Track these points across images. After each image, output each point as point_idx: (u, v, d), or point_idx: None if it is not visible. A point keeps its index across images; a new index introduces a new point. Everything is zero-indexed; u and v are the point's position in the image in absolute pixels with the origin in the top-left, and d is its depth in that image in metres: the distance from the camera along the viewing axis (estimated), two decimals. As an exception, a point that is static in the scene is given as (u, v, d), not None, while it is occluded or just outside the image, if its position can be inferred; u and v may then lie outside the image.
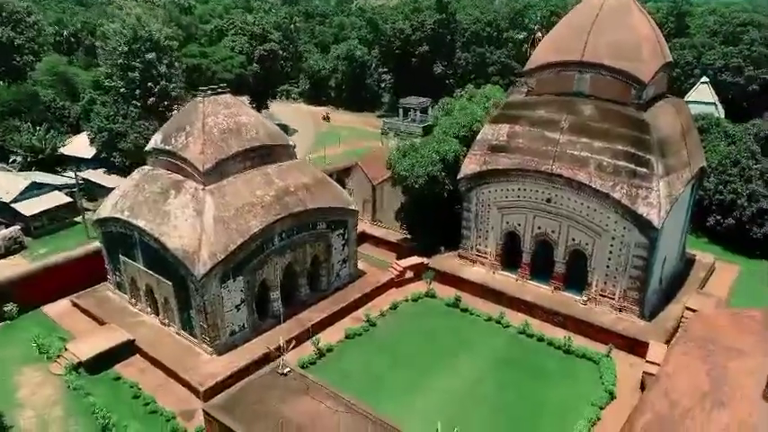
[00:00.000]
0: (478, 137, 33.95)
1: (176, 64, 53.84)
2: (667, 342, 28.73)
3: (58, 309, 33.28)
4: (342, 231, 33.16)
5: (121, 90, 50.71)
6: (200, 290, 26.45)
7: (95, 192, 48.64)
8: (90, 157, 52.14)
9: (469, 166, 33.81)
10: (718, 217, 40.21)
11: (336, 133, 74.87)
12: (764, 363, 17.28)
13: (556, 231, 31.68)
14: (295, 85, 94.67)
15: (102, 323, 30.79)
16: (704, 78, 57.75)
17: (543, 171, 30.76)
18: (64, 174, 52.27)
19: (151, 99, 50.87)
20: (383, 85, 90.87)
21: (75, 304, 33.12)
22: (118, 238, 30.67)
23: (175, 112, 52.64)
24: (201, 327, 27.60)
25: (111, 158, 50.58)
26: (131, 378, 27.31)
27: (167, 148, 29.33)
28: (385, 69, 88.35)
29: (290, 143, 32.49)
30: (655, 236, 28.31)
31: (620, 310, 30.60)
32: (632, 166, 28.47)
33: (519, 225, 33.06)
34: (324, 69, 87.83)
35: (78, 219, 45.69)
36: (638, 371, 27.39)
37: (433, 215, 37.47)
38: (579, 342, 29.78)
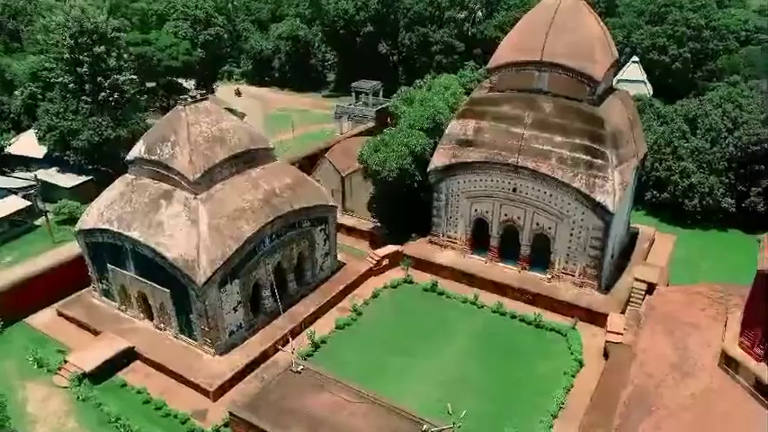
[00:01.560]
0: (446, 131, 36.18)
1: (125, 56, 52.45)
2: (622, 312, 32.73)
3: (44, 319, 33.31)
4: (323, 227, 34.82)
5: (69, 85, 49.10)
6: (201, 296, 27.63)
7: (52, 193, 47.45)
8: (41, 156, 50.43)
9: (439, 160, 36.07)
10: (655, 192, 44.71)
11: (285, 116, 74.91)
12: (716, 336, 20.84)
13: (521, 217, 34.69)
14: (235, 66, 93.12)
15: (95, 332, 31.30)
16: (634, 58, 62.30)
17: (509, 164, 33.49)
18: (12, 175, 50.45)
19: (102, 94, 49.55)
20: (328, 65, 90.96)
21: (61, 314, 33.26)
22: (105, 247, 31.00)
23: (127, 105, 52.07)
24: (203, 330, 28.85)
25: (65, 157, 49.24)
26: (137, 384, 28.32)
27: (153, 158, 29.76)
28: (329, 49, 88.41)
29: (271, 145, 33.50)
30: (610, 219, 31.83)
31: (581, 286, 34.24)
32: (589, 158, 31.66)
33: (487, 212, 35.85)
34: (266, 49, 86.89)
35: (39, 222, 44.82)
36: (601, 340, 31.14)
37: (403, 204, 39.62)
38: (548, 317, 33.20)
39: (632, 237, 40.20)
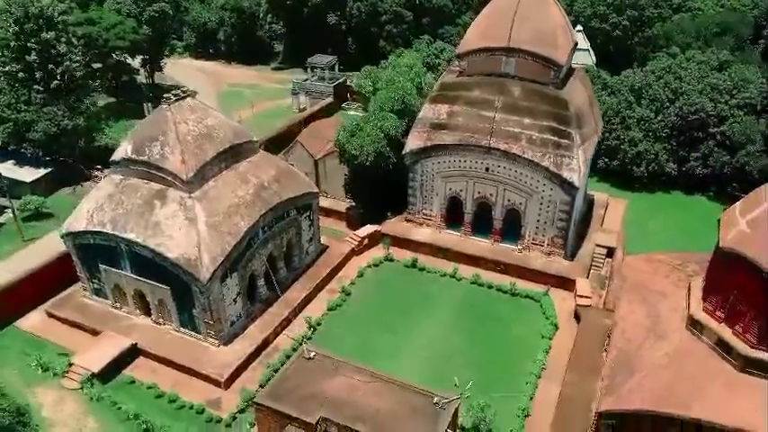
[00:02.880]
0: (420, 115, 37.82)
1: (74, 41, 50.46)
2: (588, 276, 36.21)
3: (33, 322, 33.40)
4: (308, 213, 36.16)
5: (18, 75, 47.10)
6: (204, 292, 28.72)
7: (12, 188, 46.01)
8: (-5, 150, 48.52)
9: (414, 142, 37.80)
10: (606, 159, 48.26)
11: (238, 92, 73.98)
12: (681, 301, 24.12)
13: (494, 194, 37.18)
14: (177, 39, 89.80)
15: (92, 332, 31.83)
16: (579, 27, 65.14)
17: (482, 146, 35.67)
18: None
19: (55, 82, 47.86)
20: (275, 36, 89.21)
21: (51, 315, 33.41)
22: (97, 248, 31.24)
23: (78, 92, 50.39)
24: (207, 323, 30.05)
25: (22, 150, 47.63)
26: (146, 380, 29.41)
27: (142, 158, 29.99)
28: (275, 19, 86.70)
29: (254, 138, 34.17)
30: (575, 194, 34.82)
31: (549, 254, 37.38)
32: (556, 138, 34.26)
33: (461, 191, 38.10)
34: (210, 21, 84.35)
35: (2, 219, 43.73)
36: (571, 303, 34.56)
37: (378, 185, 41.25)
38: (521, 285, 36.23)
39: (589, 203, 43.63)
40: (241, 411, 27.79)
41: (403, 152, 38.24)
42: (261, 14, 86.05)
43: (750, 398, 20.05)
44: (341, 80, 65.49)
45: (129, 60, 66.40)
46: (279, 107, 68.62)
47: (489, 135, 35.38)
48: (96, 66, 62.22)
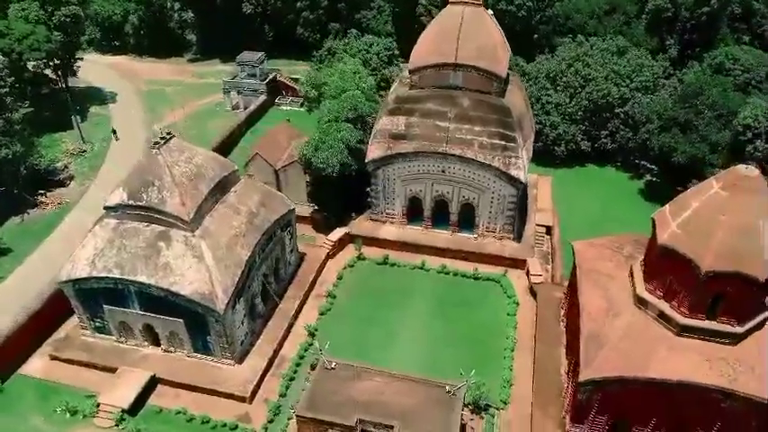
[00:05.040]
0: (379, 127, 41.37)
1: (-4, 62, 48.20)
2: (534, 255, 42.30)
3: (38, 367, 34.34)
4: (289, 228, 39.09)
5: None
6: (220, 321, 31.44)
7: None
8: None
9: (375, 152, 41.44)
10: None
11: (161, 92, 72.62)
12: (626, 282, 30.37)
13: (450, 192, 41.96)
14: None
15: (104, 369, 33.49)
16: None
17: (439, 152, 40.06)
18: None
19: (-16, 111, 45.99)
20: (187, 25, 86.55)
21: (55, 358, 34.47)
22: (101, 291, 32.59)
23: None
24: (221, 347, 32.84)
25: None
26: (172, 406, 31.96)
27: (140, 203, 31.47)
28: (185, 8, 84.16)
29: (235, 167, 36.27)
30: (521, 188, 40.41)
31: (501, 239, 43.08)
32: (503, 142, 39.33)
33: (420, 191, 42.52)
34: (115, 14, 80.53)
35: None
36: (525, 281, 40.59)
37: (339, 189, 44.66)
38: (482, 270, 41.75)
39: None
40: (270, 421, 31.29)
41: (366, 161, 41.79)
42: (169, 4, 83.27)
43: (687, 355, 26.68)
44: (271, 76, 66.55)
45: (47, 72, 63.25)
46: (208, 106, 68.64)
47: (445, 142, 39.79)
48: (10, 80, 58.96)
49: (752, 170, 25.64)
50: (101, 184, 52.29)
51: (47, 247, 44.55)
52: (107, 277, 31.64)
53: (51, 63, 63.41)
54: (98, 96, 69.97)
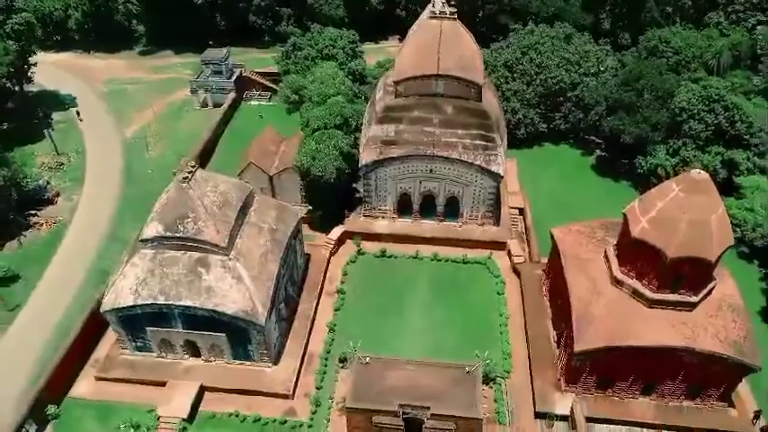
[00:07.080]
0: (370, 134, 45.12)
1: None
2: (512, 237, 48.07)
3: (86, 389, 37.25)
4: (299, 235, 42.80)
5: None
6: (261, 332, 35.38)
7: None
8: None
9: (368, 157, 45.33)
10: (494, 126, 59.60)
11: (122, 91, 71.94)
12: (602, 264, 36.57)
13: (437, 188, 46.71)
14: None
15: (152, 383, 36.84)
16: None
17: (428, 155, 44.50)
18: None
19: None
20: (134, 15, 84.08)
21: (101, 378, 37.39)
22: (144, 316, 35.59)
23: None
24: (261, 353, 36.88)
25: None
26: (223, 410, 35.99)
27: (178, 234, 34.35)
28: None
29: (251, 188, 39.35)
30: (500, 181, 45.73)
31: (482, 225, 48.55)
32: (484, 143, 44.18)
33: (410, 188, 47.00)
34: (54, 9, 77.68)
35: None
36: (507, 261, 46.44)
37: (332, 190, 48.42)
38: (470, 254, 47.21)
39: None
40: (314, 412, 36.00)
41: (359, 165, 45.67)
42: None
43: (657, 323, 33.33)
44: (237, 73, 67.67)
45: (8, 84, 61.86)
46: (175, 105, 68.95)
47: (433, 146, 44.21)
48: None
49: (703, 174, 31.88)
50: (87, 201, 53.52)
51: (53, 270, 46.07)
52: (153, 304, 34.65)
53: (8, 72, 61.95)
54: (56, 101, 68.44)
